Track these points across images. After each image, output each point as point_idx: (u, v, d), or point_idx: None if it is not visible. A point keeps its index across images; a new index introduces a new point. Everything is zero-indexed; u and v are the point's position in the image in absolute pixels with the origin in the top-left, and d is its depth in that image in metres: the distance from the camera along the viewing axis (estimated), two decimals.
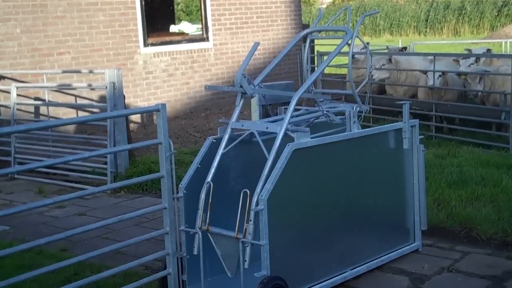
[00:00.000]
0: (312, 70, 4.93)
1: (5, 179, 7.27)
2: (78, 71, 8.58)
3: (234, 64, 11.57)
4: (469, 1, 34.09)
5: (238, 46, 11.78)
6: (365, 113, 4.16)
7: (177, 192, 3.68)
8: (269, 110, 4.24)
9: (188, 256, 3.77)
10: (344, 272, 3.99)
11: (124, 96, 7.02)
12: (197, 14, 12.63)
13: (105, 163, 6.81)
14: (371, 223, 4.21)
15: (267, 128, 3.81)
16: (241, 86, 3.90)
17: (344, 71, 11.21)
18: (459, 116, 8.47)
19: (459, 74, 8.47)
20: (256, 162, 3.80)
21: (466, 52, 9.72)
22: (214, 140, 3.90)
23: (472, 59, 8.90)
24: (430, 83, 8.36)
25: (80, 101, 8.80)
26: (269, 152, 3.62)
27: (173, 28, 13.53)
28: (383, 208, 4.31)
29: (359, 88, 4.19)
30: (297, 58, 11.94)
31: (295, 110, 3.99)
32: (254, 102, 4.19)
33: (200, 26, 11.67)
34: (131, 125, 8.74)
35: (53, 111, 8.48)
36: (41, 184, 6.96)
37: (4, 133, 3.03)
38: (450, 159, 6.80)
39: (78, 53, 9.32)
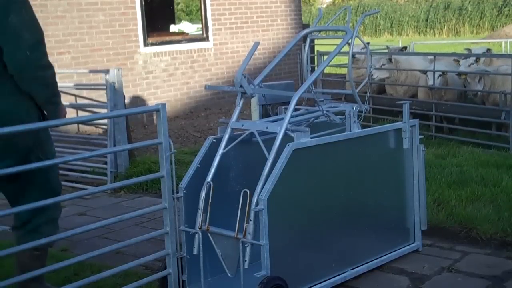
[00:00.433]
0: (312, 70, 4.93)
1: None
2: (78, 71, 8.58)
3: (234, 64, 11.58)
4: (469, 1, 34.09)
5: (238, 46, 11.79)
6: (365, 113, 4.16)
7: (177, 192, 3.68)
8: (269, 110, 4.24)
9: (188, 256, 3.77)
10: (344, 272, 3.99)
11: (124, 96, 7.02)
12: (197, 14, 12.64)
13: (105, 163, 6.81)
14: (371, 223, 4.21)
15: (267, 128, 3.81)
16: (241, 86, 3.90)
17: (344, 71, 11.21)
18: (459, 116, 8.47)
19: (459, 74, 8.47)
20: (256, 162, 3.80)
21: (466, 52, 9.71)
22: (214, 140, 3.90)
23: (472, 59, 8.90)
24: (430, 83, 8.36)
25: (80, 101, 8.80)
26: (269, 152, 3.62)
27: (173, 28, 13.53)
28: (383, 208, 4.31)
29: (359, 88, 4.19)
30: (297, 58, 11.94)
31: (295, 110, 3.99)
32: (254, 102, 4.20)
33: (200, 26, 11.68)
34: (131, 125, 8.74)
35: None
36: None
37: (4, 133, 3.03)
38: (450, 159, 6.80)
39: (78, 53, 9.32)
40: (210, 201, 3.67)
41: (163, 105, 3.48)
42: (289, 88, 4.43)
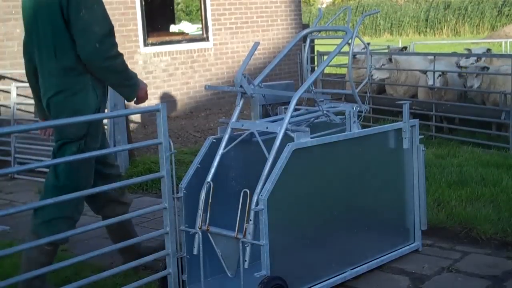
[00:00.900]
0: (312, 70, 4.92)
1: (5, 179, 7.27)
2: None
3: (234, 64, 11.58)
4: (469, 1, 34.10)
5: (238, 46, 11.79)
6: (365, 113, 4.16)
7: (177, 192, 3.68)
8: (269, 110, 4.24)
9: (188, 256, 3.77)
10: (344, 272, 3.99)
11: None
12: (197, 14, 12.63)
13: None
14: (371, 223, 4.21)
15: (267, 128, 3.81)
16: (241, 86, 3.90)
17: (344, 71, 11.21)
18: (459, 116, 8.47)
19: (459, 74, 8.47)
20: (256, 162, 3.80)
21: (466, 52, 9.72)
22: (214, 140, 3.90)
23: (473, 58, 8.90)
24: (430, 82, 8.36)
25: None
26: (269, 152, 3.62)
27: (173, 28, 13.53)
28: (383, 208, 4.31)
29: (359, 88, 4.19)
30: (297, 58, 11.94)
31: (295, 110, 3.99)
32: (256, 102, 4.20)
33: (200, 26, 11.67)
34: (131, 125, 8.74)
35: None
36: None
37: (4, 133, 3.03)
38: (450, 159, 6.80)
39: None
40: (210, 201, 3.67)
41: (163, 105, 3.48)
42: (289, 88, 4.43)
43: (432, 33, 34.50)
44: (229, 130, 3.89)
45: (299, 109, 4.29)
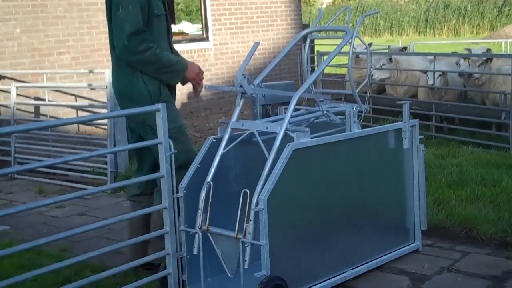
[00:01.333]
0: (312, 70, 4.93)
1: (5, 179, 7.28)
2: (78, 71, 8.59)
3: (234, 64, 11.58)
4: (469, 1, 34.10)
5: (238, 46, 11.79)
6: (365, 113, 4.16)
7: (177, 192, 3.68)
8: (269, 110, 4.24)
9: (188, 256, 3.77)
10: (344, 272, 3.99)
11: None
12: (197, 14, 12.64)
13: (105, 163, 6.82)
14: (371, 223, 4.21)
15: (267, 128, 3.81)
16: (241, 86, 3.90)
17: (344, 71, 11.21)
18: (459, 116, 8.46)
19: (460, 74, 8.46)
20: (256, 162, 3.80)
21: (466, 52, 9.71)
22: (214, 140, 3.90)
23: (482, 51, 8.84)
24: (430, 82, 8.36)
25: (80, 101, 8.80)
26: (269, 152, 3.62)
27: (173, 28, 13.52)
28: (383, 208, 4.31)
29: (359, 88, 4.18)
30: (297, 58, 11.93)
31: (295, 110, 3.99)
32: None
33: (200, 26, 11.67)
34: None
35: (53, 111, 8.49)
36: (41, 184, 6.96)
37: (4, 133, 3.04)
38: (450, 159, 6.79)
39: (78, 53, 9.32)
40: (210, 201, 3.67)
41: (163, 105, 3.48)
42: (289, 88, 4.43)
43: (432, 33, 34.49)
44: (229, 130, 3.89)
45: (299, 109, 4.29)
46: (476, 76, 8.12)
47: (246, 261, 3.49)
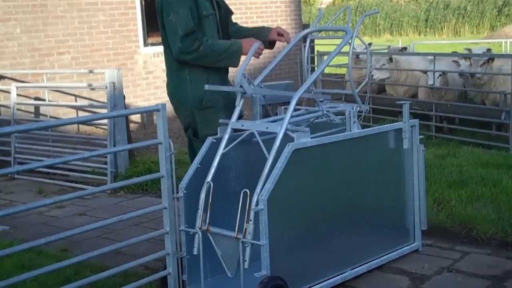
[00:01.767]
0: (312, 70, 4.93)
1: (5, 179, 7.28)
2: (78, 71, 8.59)
3: None
4: (469, 1, 34.09)
5: None
6: (365, 113, 4.15)
7: (177, 192, 3.68)
8: (269, 110, 4.24)
9: (188, 256, 3.77)
10: (344, 272, 3.99)
11: (124, 96, 7.02)
12: None
13: (105, 163, 6.81)
14: (371, 223, 4.21)
15: (267, 128, 3.81)
16: (241, 86, 3.90)
17: (344, 71, 11.21)
18: (459, 116, 8.47)
19: (460, 74, 8.46)
20: (256, 162, 3.80)
21: (466, 52, 9.71)
22: (214, 140, 3.90)
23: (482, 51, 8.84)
24: (430, 82, 8.36)
25: (80, 101, 8.80)
26: (269, 152, 3.62)
27: None
28: (383, 208, 4.31)
29: (359, 88, 4.18)
30: (297, 58, 11.93)
31: (295, 110, 3.99)
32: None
33: None
34: (131, 125, 8.74)
35: (53, 111, 8.49)
36: (41, 184, 6.96)
37: (4, 133, 3.04)
38: (450, 159, 6.80)
39: (78, 53, 9.32)
40: (210, 201, 3.67)
41: (163, 105, 3.48)
42: (289, 88, 4.43)
43: (432, 33, 34.48)
44: (229, 130, 3.89)
45: (299, 109, 4.29)
46: (478, 76, 8.12)
47: (246, 261, 3.49)
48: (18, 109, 7.92)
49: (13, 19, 8.52)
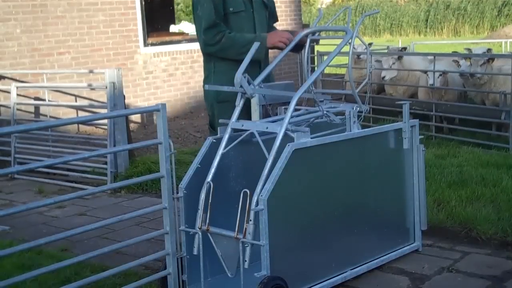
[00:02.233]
0: (312, 70, 4.93)
1: (5, 179, 7.28)
2: (78, 71, 8.59)
3: None
4: (469, 1, 34.08)
5: None
6: (365, 113, 4.15)
7: (177, 192, 3.68)
8: (269, 110, 4.24)
9: (188, 256, 3.77)
10: (344, 272, 3.99)
11: (124, 96, 7.02)
12: None
13: (105, 163, 6.81)
14: (371, 223, 4.21)
15: (267, 128, 3.81)
16: (241, 86, 3.90)
17: (344, 71, 11.21)
18: (459, 116, 8.47)
19: (460, 74, 8.46)
20: (256, 162, 3.80)
21: (466, 52, 9.71)
22: (214, 140, 3.90)
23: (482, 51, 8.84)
24: (430, 82, 8.36)
25: (80, 101, 8.80)
26: (269, 152, 3.62)
27: (173, 28, 13.52)
28: (383, 208, 4.31)
29: (359, 88, 4.18)
30: (297, 58, 11.92)
31: (295, 110, 3.99)
32: (254, 102, 4.20)
33: None
34: (131, 125, 8.74)
35: (53, 111, 8.49)
36: (41, 184, 6.96)
37: (4, 133, 3.04)
38: (450, 159, 6.80)
39: (78, 53, 9.32)
40: (210, 201, 3.67)
41: (163, 105, 3.48)
42: (289, 88, 4.43)
43: (432, 33, 34.48)
44: (229, 130, 3.89)
45: (299, 109, 4.28)
46: (478, 76, 8.12)
47: (246, 261, 3.49)
48: (18, 109, 7.92)
49: (13, 19, 8.52)
